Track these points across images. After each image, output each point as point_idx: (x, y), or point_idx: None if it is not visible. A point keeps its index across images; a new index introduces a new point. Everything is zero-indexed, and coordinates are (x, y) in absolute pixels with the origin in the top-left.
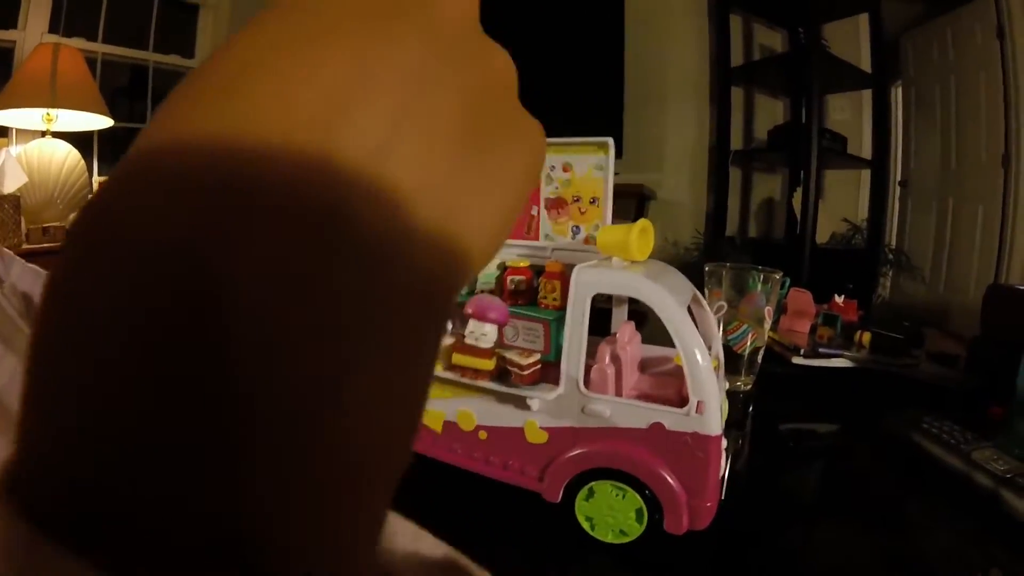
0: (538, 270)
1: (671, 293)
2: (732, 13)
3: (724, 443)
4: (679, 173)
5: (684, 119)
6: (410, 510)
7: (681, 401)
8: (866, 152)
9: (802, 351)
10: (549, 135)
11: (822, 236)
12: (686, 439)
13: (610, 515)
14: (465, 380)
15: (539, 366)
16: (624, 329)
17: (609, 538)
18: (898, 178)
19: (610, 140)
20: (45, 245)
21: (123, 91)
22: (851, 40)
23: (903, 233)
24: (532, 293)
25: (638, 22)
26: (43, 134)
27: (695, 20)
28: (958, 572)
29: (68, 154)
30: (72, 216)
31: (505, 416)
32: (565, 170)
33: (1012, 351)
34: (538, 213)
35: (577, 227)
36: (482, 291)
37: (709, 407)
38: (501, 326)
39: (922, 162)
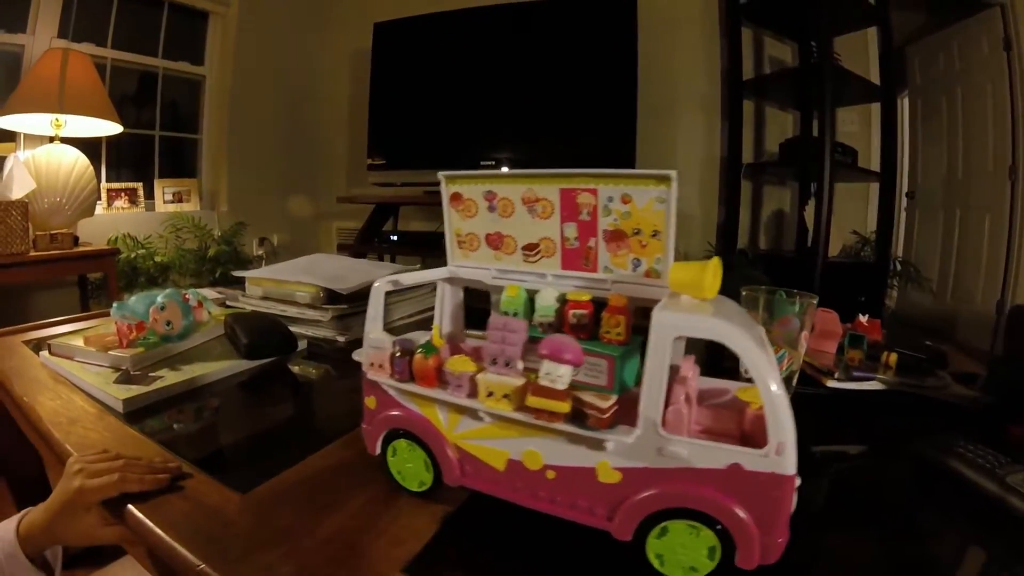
0: (597, 303)
1: (751, 336)
2: (743, 26)
3: (797, 481)
4: (690, 185)
5: (695, 132)
6: (472, 548)
7: (745, 438)
8: (874, 164)
9: (836, 374)
10: (563, 147)
11: (832, 249)
12: (763, 478)
13: (682, 552)
14: (539, 422)
15: (617, 408)
16: (687, 364)
17: (678, 575)
18: (905, 189)
19: (673, 173)
20: (53, 252)
21: (132, 97)
22: (859, 52)
23: (910, 245)
24: (593, 327)
25: (651, 35)
26: (51, 139)
27: (707, 33)
28: None
29: (77, 160)
30: (80, 222)
31: (576, 456)
32: (624, 202)
33: None
34: (596, 245)
35: (638, 260)
36: (541, 324)
37: (787, 448)
38: (576, 367)
39: (929, 173)
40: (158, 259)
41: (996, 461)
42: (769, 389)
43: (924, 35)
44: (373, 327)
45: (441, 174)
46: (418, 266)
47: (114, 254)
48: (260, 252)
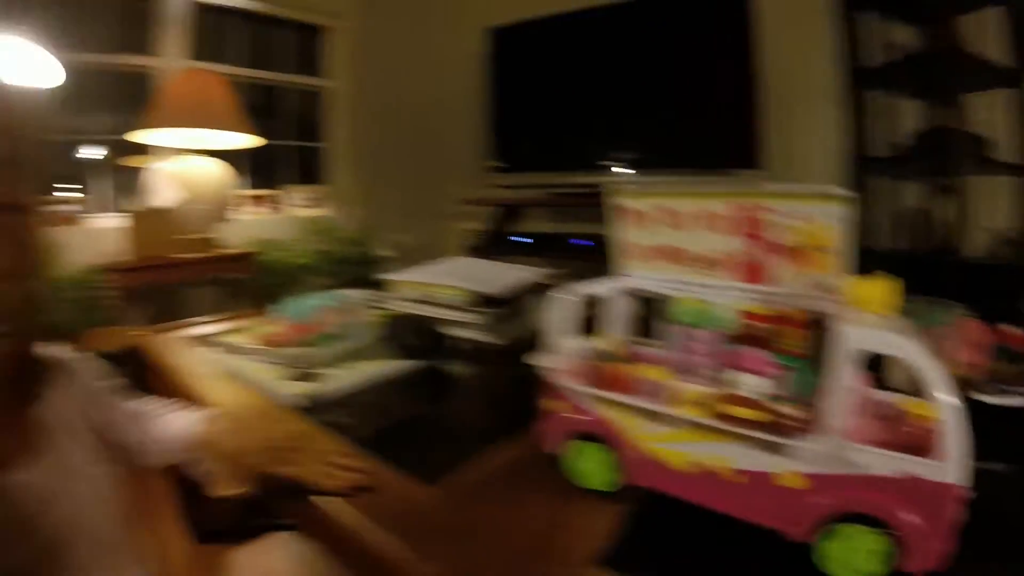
0: (772, 316)
1: (928, 353)
2: (862, 13)
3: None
4: (812, 181)
5: (818, 124)
6: (655, 545)
7: (909, 449)
8: (1009, 156)
9: (986, 389)
10: (682, 145)
11: (968, 248)
12: (937, 488)
13: (853, 555)
14: (736, 429)
15: (806, 419)
16: (860, 378)
17: None
18: None
19: (845, 192)
20: (199, 255)
21: (263, 109)
22: (980, 35)
23: None
24: (767, 339)
25: (768, 29)
26: (191, 152)
27: (826, 22)
28: None
29: (219, 170)
30: (223, 226)
31: (765, 462)
32: (801, 219)
33: None
34: (772, 259)
35: (813, 275)
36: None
37: (962, 462)
38: (766, 378)
39: None
40: (301, 262)
41: None
42: (949, 405)
43: None
44: (561, 335)
45: (611, 185)
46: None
47: (255, 256)
48: (390, 253)
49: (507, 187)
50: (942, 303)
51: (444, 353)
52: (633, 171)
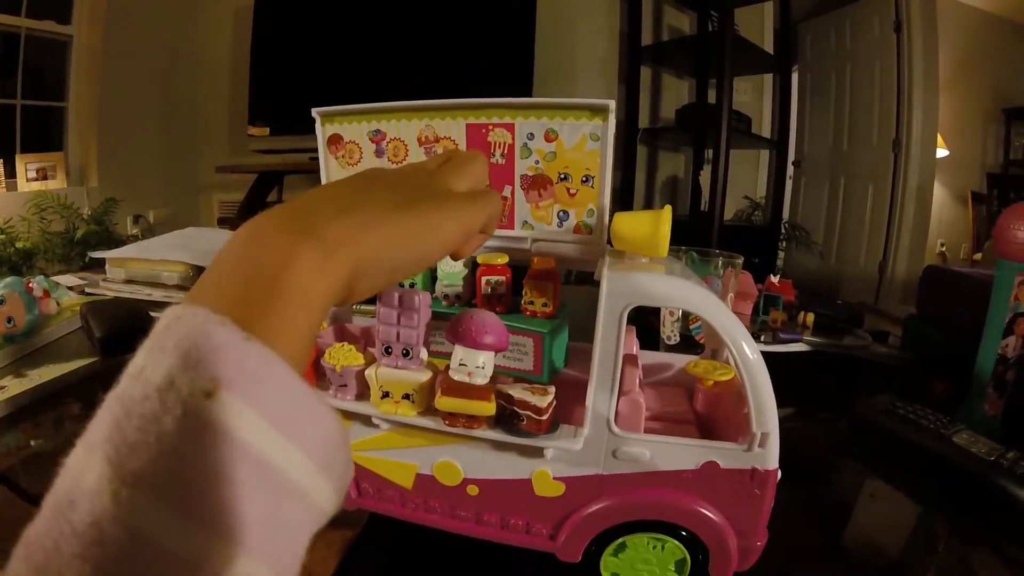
0: (515, 267)
1: (722, 304)
2: None
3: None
4: None
5: (592, 96)
6: None
7: (699, 419)
8: (765, 133)
9: (761, 337)
10: None
11: (725, 213)
12: (743, 477)
13: (645, 569)
14: (456, 430)
15: (555, 404)
16: (630, 339)
17: None
18: (791, 159)
19: (611, 103)
20: None
21: None
22: (755, 25)
23: (796, 210)
24: (511, 297)
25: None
26: None
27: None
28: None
29: None
30: None
31: (505, 467)
32: (549, 139)
33: (952, 330)
34: (512, 195)
35: (565, 212)
36: (446, 296)
37: (772, 439)
38: (499, 352)
39: (815, 144)
40: (20, 245)
41: (939, 421)
42: (755, 374)
43: (818, 13)
44: None
45: (316, 111)
46: None
47: None
48: (135, 231)
49: (268, 152)
50: (721, 255)
51: None
52: None
